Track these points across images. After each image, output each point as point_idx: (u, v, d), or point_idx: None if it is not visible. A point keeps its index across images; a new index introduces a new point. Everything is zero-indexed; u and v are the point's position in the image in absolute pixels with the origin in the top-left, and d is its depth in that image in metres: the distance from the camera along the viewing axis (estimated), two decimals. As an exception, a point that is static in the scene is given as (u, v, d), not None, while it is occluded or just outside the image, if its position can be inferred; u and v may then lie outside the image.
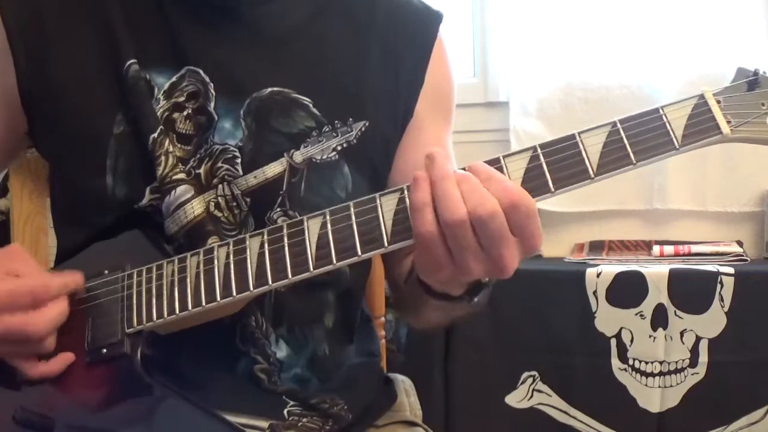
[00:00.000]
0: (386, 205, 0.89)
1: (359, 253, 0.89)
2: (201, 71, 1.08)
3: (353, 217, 0.90)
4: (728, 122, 0.87)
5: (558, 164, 0.87)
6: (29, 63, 1.09)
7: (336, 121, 1.09)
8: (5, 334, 0.94)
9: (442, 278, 0.89)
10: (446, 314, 1.05)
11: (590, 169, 0.86)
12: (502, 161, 0.87)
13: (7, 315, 0.94)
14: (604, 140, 0.87)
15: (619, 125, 0.87)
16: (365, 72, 1.13)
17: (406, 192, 0.88)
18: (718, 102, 0.88)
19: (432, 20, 1.20)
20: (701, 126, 0.87)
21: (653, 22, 2.45)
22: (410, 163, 1.13)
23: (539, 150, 0.87)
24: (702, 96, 0.88)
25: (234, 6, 1.09)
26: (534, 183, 0.86)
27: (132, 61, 1.07)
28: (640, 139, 0.87)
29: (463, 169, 0.86)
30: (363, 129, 1.11)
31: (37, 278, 0.98)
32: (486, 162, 0.87)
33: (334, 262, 0.90)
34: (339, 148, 1.09)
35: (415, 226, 0.85)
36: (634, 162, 0.87)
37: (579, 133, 0.87)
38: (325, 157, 1.09)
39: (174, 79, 1.08)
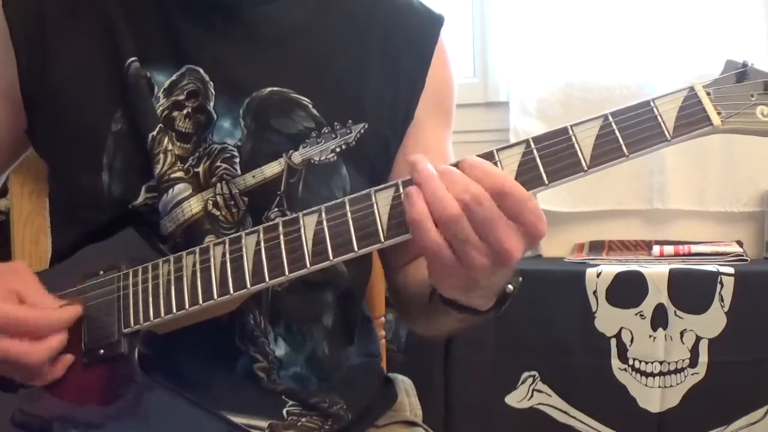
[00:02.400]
0: (382, 201, 0.89)
1: (356, 248, 0.89)
2: (201, 70, 1.08)
3: (349, 213, 0.90)
4: (719, 113, 0.88)
5: (551, 157, 0.87)
6: (30, 60, 1.10)
7: (335, 123, 1.10)
8: (1, 357, 0.94)
9: (454, 282, 0.88)
10: (465, 325, 1.04)
11: (583, 162, 0.87)
12: (496, 155, 0.87)
13: (5, 339, 0.93)
14: (596, 133, 0.87)
15: (610, 118, 0.88)
16: (365, 74, 1.13)
17: (401, 187, 0.88)
18: (708, 94, 0.89)
19: (433, 23, 1.20)
20: (692, 118, 0.88)
21: (653, 22, 2.45)
22: (410, 166, 1.13)
23: (532, 144, 0.87)
24: (692, 88, 0.89)
25: (234, 6, 1.09)
26: (528, 176, 0.86)
27: (133, 58, 1.08)
28: (631, 131, 0.87)
29: (456, 164, 0.86)
30: (362, 131, 1.11)
31: (41, 309, 0.97)
32: (479, 156, 0.87)
33: (331, 258, 0.90)
34: (338, 149, 1.09)
35: (419, 240, 0.84)
36: (627, 154, 0.87)
37: (571, 126, 0.88)
38: (323, 158, 1.09)
39: (174, 77, 1.09)
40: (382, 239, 0.88)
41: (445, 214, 0.82)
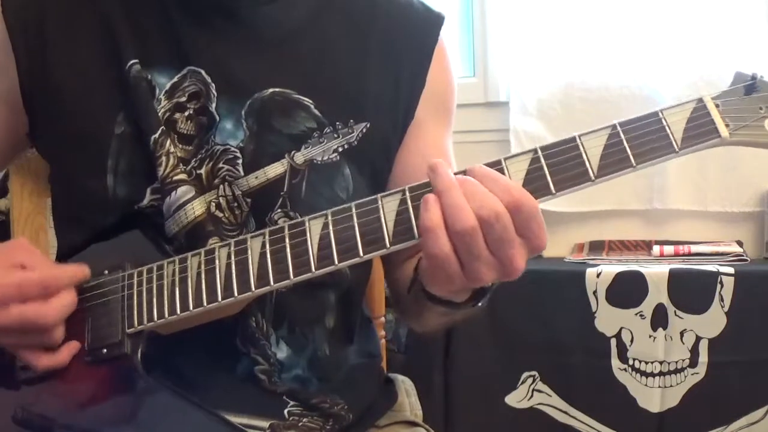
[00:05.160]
0: (388, 207, 0.89)
1: (361, 254, 0.89)
2: (202, 71, 1.08)
3: (355, 218, 0.90)
4: (727, 126, 0.88)
5: (559, 166, 0.87)
6: (31, 62, 1.09)
7: (337, 123, 1.09)
8: (17, 323, 0.94)
9: (453, 289, 0.89)
10: (450, 319, 1.05)
11: (591, 172, 0.87)
12: (503, 163, 0.88)
13: (19, 305, 0.94)
14: (604, 143, 0.87)
15: (619, 128, 0.88)
16: (366, 74, 1.13)
17: (407, 193, 0.89)
18: (717, 106, 0.89)
19: (433, 23, 1.20)
20: (700, 129, 0.88)
21: (654, 23, 2.45)
22: (410, 166, 1.13)
23: (540, 152, 0.88)
24: (701, 100, 0.89)
25: (235, 7, 1.09)
26: (535, 185, 0.87)
27: (134, 61, 1.07)
28: (640, 142, 0.87)
29: (463, 172, 0.87)
30: (364, 130, 1.11)
31: (45, 269, 0.98)
32: (487, 164, 0.87)
33: (336, 262, 0.90)
34: (340, 149, 1.09)
35: (428, 247, 0.85)
36: (635, 165, 0.87)
37: (579, 136, 0.88)
38: (326, 158, 1.09)
39: (175, 79, 1.08)
40: (388, 245, 0.88)
41: (460, 226, 0.82)
